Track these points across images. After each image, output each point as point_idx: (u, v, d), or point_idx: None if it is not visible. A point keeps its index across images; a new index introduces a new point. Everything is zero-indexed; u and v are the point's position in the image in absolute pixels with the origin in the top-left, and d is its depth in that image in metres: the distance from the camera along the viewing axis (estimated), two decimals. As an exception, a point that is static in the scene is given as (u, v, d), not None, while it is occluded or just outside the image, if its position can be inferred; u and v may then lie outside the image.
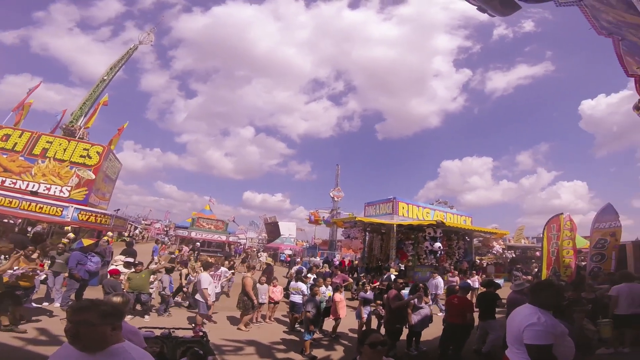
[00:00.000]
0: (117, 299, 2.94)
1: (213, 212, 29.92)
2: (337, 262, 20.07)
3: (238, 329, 7.54)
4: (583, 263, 10.99)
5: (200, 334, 3.86)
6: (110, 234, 13.00)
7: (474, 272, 14.06)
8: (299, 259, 21.19)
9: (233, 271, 12.44)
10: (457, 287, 7.10)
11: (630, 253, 9.23)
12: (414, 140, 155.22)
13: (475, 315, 6.25)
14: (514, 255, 23.58)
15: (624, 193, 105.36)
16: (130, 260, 8.77)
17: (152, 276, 8.37)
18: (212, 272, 8.24)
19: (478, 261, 21.12)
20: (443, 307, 8.39)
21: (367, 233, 17.75)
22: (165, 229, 51.65)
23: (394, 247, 15.18)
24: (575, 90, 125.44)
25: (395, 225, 15.32)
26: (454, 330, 5.84)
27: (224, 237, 25.42)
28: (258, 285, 8.20)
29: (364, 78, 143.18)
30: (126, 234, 27.36)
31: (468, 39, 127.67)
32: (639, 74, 4.81)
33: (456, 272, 13.44)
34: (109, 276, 7.51)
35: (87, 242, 8.61)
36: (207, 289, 7.17)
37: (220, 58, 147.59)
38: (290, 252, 28.04)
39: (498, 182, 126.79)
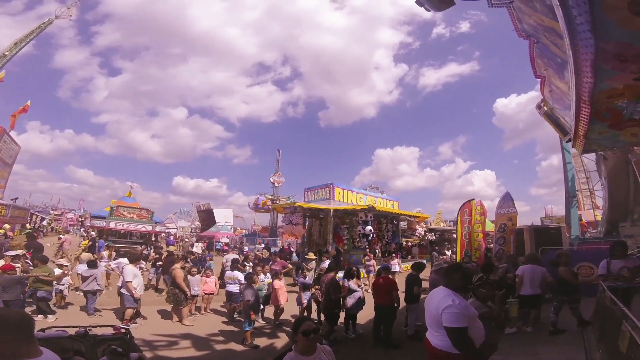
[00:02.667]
0: None
1: (136, 200, 27.06)
2: (279, 249, 19.98)
3: (182, 324, 7.13)
4: (491, 245, 12.37)
5: (123, 330, 3.52)
6: (7, 226, 10.97)
7: (394, 254, 14.64)
8: (246, 249, 20.02)
9: (160, 262, 11.61)
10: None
11: (527, 236, 10.61)
12: (353, 128, 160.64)
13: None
14: (434, 238, 26.23)
15: (524, 182, 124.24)
16: (13, 253, 7.84)
17: (58, 271, 7.58)
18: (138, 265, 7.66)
19: (404, 243, 23.02)
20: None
21: (306, 218, 18.00)
22: (80, 219, 45.47)
23: (331, 232, 15.65)
24: (493, 89, 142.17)
25: (332, 210, 15.76)
26: (381, 311, 6.13)
27: (149, 227, 23.28)
28: (189, 276, 7.86)
29: (310, 65, 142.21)
30: (29, 226, 23.49)
31: (410, 35, 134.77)
32: (545, 75, 5.60)
33: (372, 256, 13.76)
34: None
35: (-36, 237, 7.17)
36: (131, 281, 6.77)
37: (152, 35, 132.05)
38: (227, 241, 27.03)
39: (422, 170, 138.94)
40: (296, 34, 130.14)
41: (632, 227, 10.88)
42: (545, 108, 7.88)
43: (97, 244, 15.91)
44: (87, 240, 15.89)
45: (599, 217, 19.41)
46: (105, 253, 11.09)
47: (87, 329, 3.26)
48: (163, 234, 28.01)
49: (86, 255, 10.08)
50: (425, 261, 16.53)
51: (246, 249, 19.35)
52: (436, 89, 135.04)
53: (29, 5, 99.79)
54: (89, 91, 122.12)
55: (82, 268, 9.19)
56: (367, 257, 13.35)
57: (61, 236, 17.30)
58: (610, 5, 2.08)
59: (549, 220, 31.70)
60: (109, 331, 3.42)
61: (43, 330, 3.12)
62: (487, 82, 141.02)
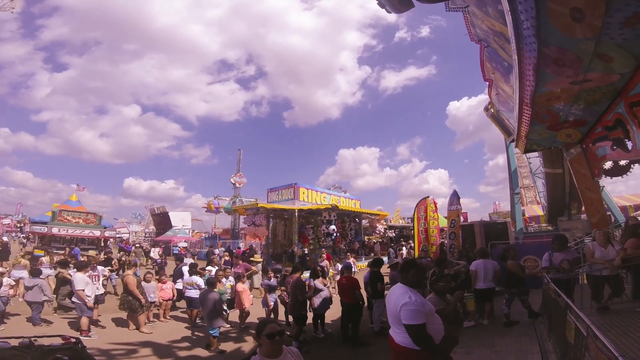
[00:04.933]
0: None
1: (82, 204, 24.93)
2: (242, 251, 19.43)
3: (140, 331, 6.71)
4: (445, 240, 12.97)
5: (73, 340, 3.21)
6: None
7: (349, 254, 14.64)
8: (217, 252, 18.86)
9: (111, 267, 10.87)
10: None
11: (477, 231, 11.31)
12: (318, 129, 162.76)
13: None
14: (394, 235, 27.16)
15: (473, 180, 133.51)
16: None
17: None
18: (89, 273, 7.07)
19: (367, 240, 23.57)
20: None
21: (270, 219, 17.73)
22: (18, 224, 41.09)
23: (296, 232, 15.59)
24: (447, 92, 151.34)
25: (296, 210, 15.70)
26: (348, 309, 6.19)
27: (97, 232, 21.54)
28: (144, 283, 7.46)
29: (276, 64, 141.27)
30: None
31: (374, 38, 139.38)
32: (492, 79, 6.04)
33: (324, 256, 13.63)
34: None
35: None
36: (83, 290, 6.35)
37: (105, 30, 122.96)
38: (185, 245, 25.82)
39: (382, 170, 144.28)
40: (262, 33, 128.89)
41: (568, 221, 12.06)
42: (492, 110, 8.52)
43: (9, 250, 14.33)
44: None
45: (540, 212, 21.33)
46: (45, 259, 10.12)
47: (33, 339, 2.93)
48: (111, 240, 26.00)
49: (25, 262, 9.11)
50: (386, 258, 17.16)
51: (216, 251, 18.61)
52: (396, 92, 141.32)
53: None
54: (29, 87, 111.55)
55: (17, 274, 8.35)
56: (320, 258, 13.28)
57: None
58: (554, 12, 2.29)
59: (497, 215, 34.25)
60: (58, 341, 3.09)
61: None
62: (442, 85, 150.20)
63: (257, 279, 10.35)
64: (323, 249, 15.73)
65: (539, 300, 6.01)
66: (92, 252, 13.06)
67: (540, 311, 5.75)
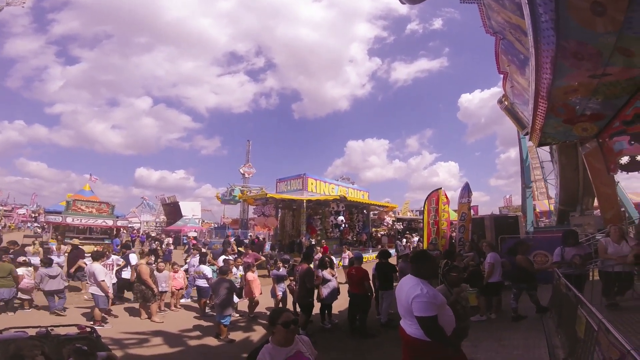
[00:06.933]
0: None
1: (95, 193, 25.41)
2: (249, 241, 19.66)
3: (152, 320, 6.87)
4: (454, 234, 12.88)
5: (88, 329, 3.34)
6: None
7: (345, 246, 14.39)
8: (232, 240, 18.83)
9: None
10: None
11: (488, 225, 11.22)
12: (326, 120, 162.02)
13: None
14: (402, 227, 27.09)
15: (484, 173, 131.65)
16: None
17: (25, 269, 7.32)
18: (103, 262, 7.26)
19: (374, 232, 23.60)
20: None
21: (279, 209, 17.84)
22: (33, 214, 42.32)
23: (304, 223, 15.67)
24: (459, 85, 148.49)
25: (305, 201, 15.75)
26: (356, 300, 6.24)
27: (110, 222, 21.95)
28: (156, 272, 7.58)
29: (285, 56, 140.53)
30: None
31: (385, 30, 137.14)
32: (508, 71, 5.90)
33: (319, 249, 13.42)
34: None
35: None
36: (104, 280, 6.45)
37: (116, 23, 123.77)
38: (195, 234, 26.26)
39: (391, 162, 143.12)
40: (272, 25, 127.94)
41: (580, 216, 11.84)
42: (506, 103, 8.35)
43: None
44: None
45: (551, 207, 21.00)
46: (55, 247, 10.37)
47: (49, 329, 3.05)
48: (123, 229, 26.47)
49: (34, 250, 9.41)
50: (393, 251, 17.15)
51: (232, 240, 18.90)
52: (406, 84, 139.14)
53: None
54: (42, 80, 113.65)
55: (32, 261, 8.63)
56: (316, 251, 13.17)
57: None
58: (574, 6, 2.22)
59: (507, 209, 33.80)
60: (73, 330, 3.22)
61: (0, 331, 2.91)
62: (454, 77, 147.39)
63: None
64: (323, 241, 15.80)
65: (546, 295, 5.95)
66: (75, 241, 12.55)
67: (549, 306, 5.72)
